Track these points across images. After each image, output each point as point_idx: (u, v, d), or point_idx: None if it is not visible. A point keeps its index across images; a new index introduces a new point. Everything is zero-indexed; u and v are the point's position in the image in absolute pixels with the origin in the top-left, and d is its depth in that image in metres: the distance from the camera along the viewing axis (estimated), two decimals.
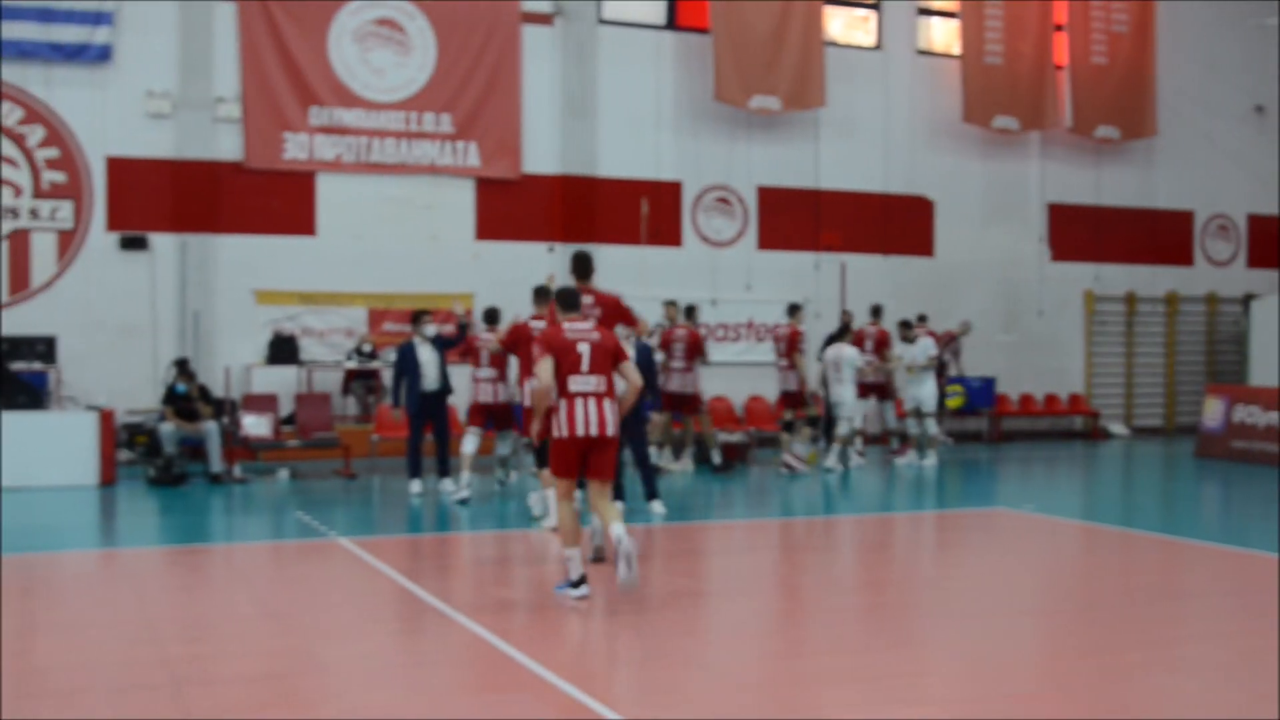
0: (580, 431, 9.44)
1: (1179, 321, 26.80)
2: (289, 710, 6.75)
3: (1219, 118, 26.70)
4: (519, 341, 12.79)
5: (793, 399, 18.68)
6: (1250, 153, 27.07)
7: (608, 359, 9.63)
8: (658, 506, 14.14)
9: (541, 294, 13.39)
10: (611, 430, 9.56)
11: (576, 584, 9.49)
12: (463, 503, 14.95)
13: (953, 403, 22.21)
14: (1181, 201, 26.73)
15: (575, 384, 9.49)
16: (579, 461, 9.57)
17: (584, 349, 9.55)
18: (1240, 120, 26.96)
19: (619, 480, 11.26)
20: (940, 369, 21.54)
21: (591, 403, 9.49)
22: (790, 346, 18.42)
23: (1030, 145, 25.28)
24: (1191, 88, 26.37)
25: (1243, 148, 26.96)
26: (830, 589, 10.64)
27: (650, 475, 14.31)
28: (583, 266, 11.05)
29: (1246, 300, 26.34)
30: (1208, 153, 26.62)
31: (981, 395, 23.08)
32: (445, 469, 16.29)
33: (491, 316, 15.99)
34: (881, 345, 19.98)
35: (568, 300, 9.86)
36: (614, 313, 11.30)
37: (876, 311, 20.36)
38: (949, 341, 22.30)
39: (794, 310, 18.93)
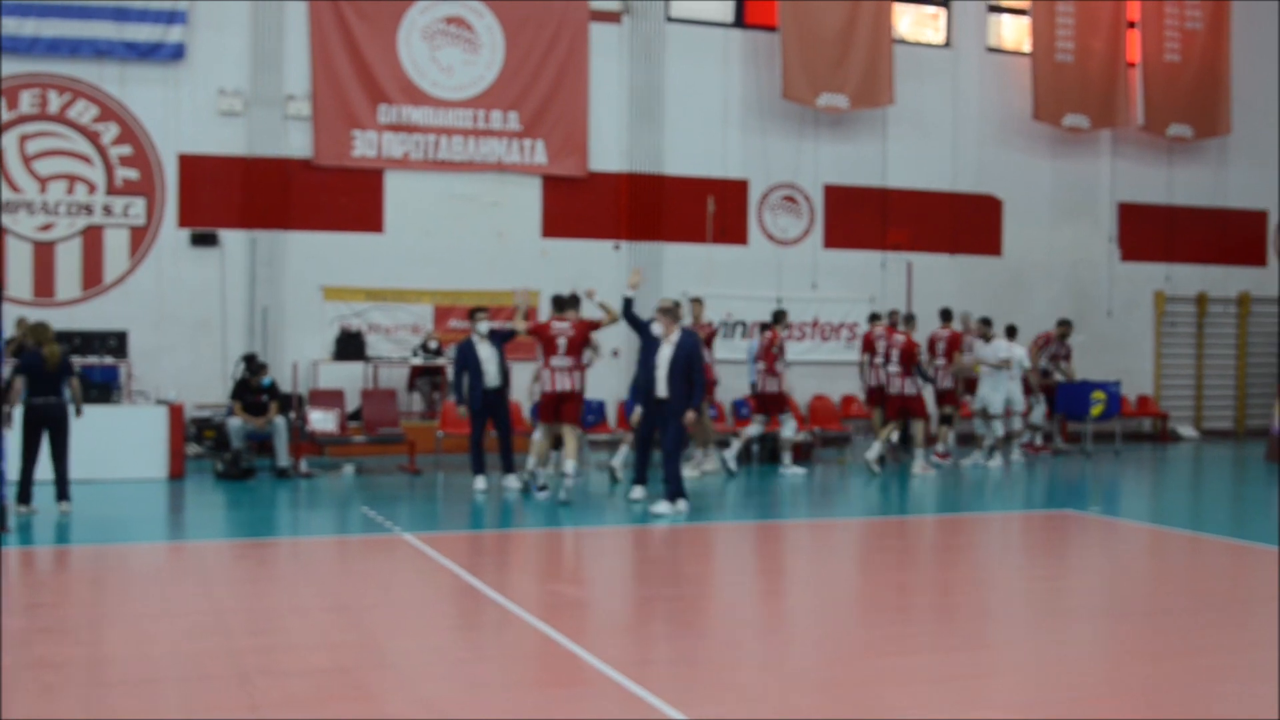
0: (556, 389, 14.99)
1: (1251, 323, 26.40)
2: (355, 703, 6.80)
3: None
4: (540, 335, 15.48)
5: (946, 397, 19.70)
6: None
7: (578, 344, 15.13)
8: (663, 507, 13.86)
9: (558, 302, 15.79)
10: (577, 388, 15.10)
11: (542, 488, 15.06)
12: (542, 491, 15.20)
13: (1095, 410, 21.48)
14: (1255, 201, 26.34)
15: (555, 361, 15.06)
16: (554, 410, 15.04)
17: (562, 342, 15.07)
18: None
19: (644, 463, 14.81)
20: (1044, 373, 21.67)
21: (562, 373, 15.02)
22: (913, 358, 18.35)
23: (1101, 143, 25.00)
24: (1266, 86, 25.97)
25: None
26: (898, 590, 10.58)
27: (671, 474, 14.07)
28: (568, 302, 15.53)
29: None
30: None
31: (1115, 401, 21.98)
32: (509, 465, 16.33)
33: (560, 304, 15.72)
34: (953, 348, 19.76)
35: (560, 304, 15.40)
36: (583, 327, 15.41)
37: (946, 315, 20.19)
38: (1045, 344, 22.00)
39: (909, 319, 19.19)
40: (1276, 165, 26.19)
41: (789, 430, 18.25)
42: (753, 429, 18.40)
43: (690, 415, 14.17)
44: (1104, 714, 6.82)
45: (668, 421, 14.15)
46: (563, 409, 15.06)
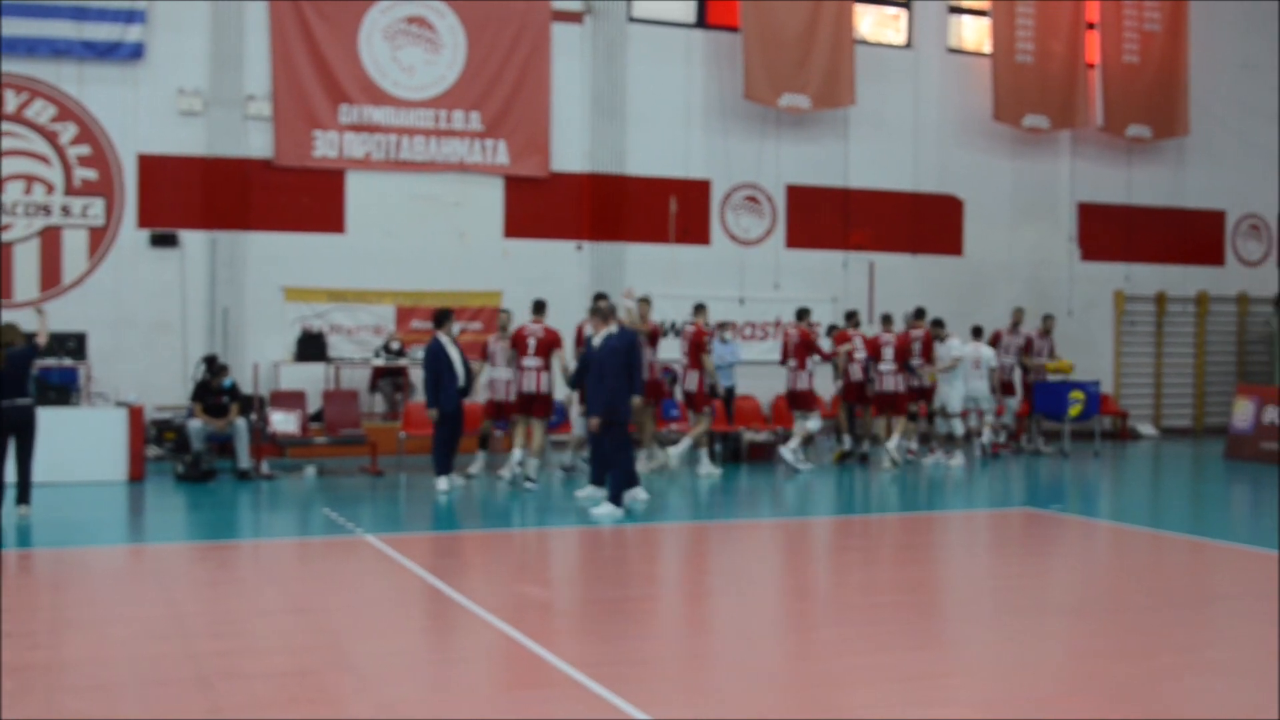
0: (526, 390, 16.30)
1: (1209, 322, 26.63)
2: (317, 706, 6.77)
3: (1251, 117, 26.51)
4: (515, 338, 16.66)
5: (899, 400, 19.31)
6: None
7: (547, 346, 16.36)
8: (604, 509, 13.75)
9: (539, 306, 17.00)
10: (545, 389, 16.33)
11: (529, 480, 15.99)
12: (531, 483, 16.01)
13: (1073, 410, 21.07)
14: (1213, 201, 26.55)
15: (525, 361, 16.35)
16: (527, 406, 16.33)
17: (532, 343, 16.37)
18: (1272, 119, 26.72)
19: (602, 468, 14.40)
20: (1023, 369, 21.75)
21: (531, 373, 16.31)
22: (905, 352, 19.07)
23: (1061, 144, 25.16)
24: (1224, 87, 26.20)
25: (1274, 147, 26.70)
26: (857, 589, 10.62)
27: (615, 478, 13.96)
28: (539, 307, 16.54)
29: (1278, 301, 26.17)
30: (1240, 152, 26.43)
31: (1095, 402, 21.51)
32: (450, 465, 16.20)
33: (536, 308, 16.98)
34: (926, 348, 19.76)
35: (536, 307, 16.42)
36: (551, 336, 16.57)
37: (920, 314, 20.14)
38: (1028, 347, 21.95)
39: (887, 319, 19.69)
40: (1234, 166, 26.43)
41: (807, 424, 18.52)
42: (812, 423, 18.78)
43: (636, 401, 14.45)
44: (1066, 712, 6.87)
45: (607, 425, 14.09)
46: (534, 406, 16.39)
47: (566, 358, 17.25)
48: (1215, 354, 26.69)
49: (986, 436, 20.29)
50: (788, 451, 18.39)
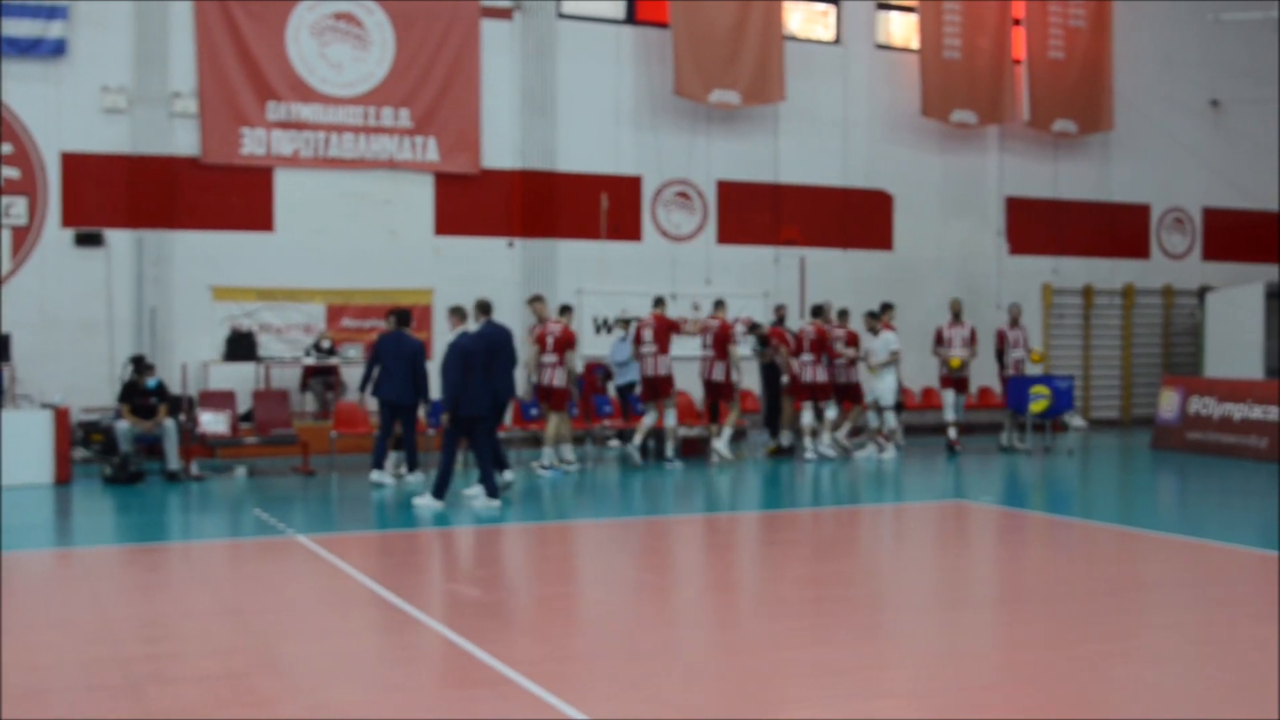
0: (545, 384, 17.38)
1: (1136, 314, 26.96)
2: (249, 709, 6.70)
3: (1175, 112, 26.88)
4: (538, 336, 17.67)
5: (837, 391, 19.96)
6: (1206, 147, 27.27)
7: (562, 344, 17.22)
8: (480, 501, 14.41)
9: (562, 309, 18.33)
10: (560, 383, 17.31)
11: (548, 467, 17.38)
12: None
13: (1036, 406, 20.39)
14: (1138, 195, 26.90)
15: (544, 358, 17.27)
16: (546, 398, 17.48)
17: (550, 340, 17.18)
18: (1196, 114, 27.16)
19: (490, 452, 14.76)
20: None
21: (548, 368, 17.32)
22: (824, 345, 19.66)
23: (988, 139, 25.38)
24: (1148, 82, 26.54)
25: (1198, 142, 27.16)
26: (793, 583, 10.64)
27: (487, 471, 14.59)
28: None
29: (1202, 293, 26.54)
30: (1164, 147, 26.80)
31: (1067, 398, 20.68)
32: (414, 463, 16.76)
33: (561, 310, 18.30)
34: (849, 345, 19.96)
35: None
36: (567, 335, 17.56)
37: (816, 311, 20.22)
38: (1000, 343, 21.44)
39: (844, 314, 20.32)
40: (1158, 160, 26.79)
41: (671, 420, 18.66)
42: (830, 411, 19.69)
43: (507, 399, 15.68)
44: (999, 701, 6.92)
45: (467, 420, 14.50)
46: (552, 397, 17.48)
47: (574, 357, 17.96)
48: (1141, 346, 27.04)
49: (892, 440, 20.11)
50: (723, 444, 18.79)
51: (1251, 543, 12.24)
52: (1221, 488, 17.17)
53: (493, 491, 14.38)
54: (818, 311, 20.11)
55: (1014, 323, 21.57)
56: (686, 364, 19.99)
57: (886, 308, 20.21)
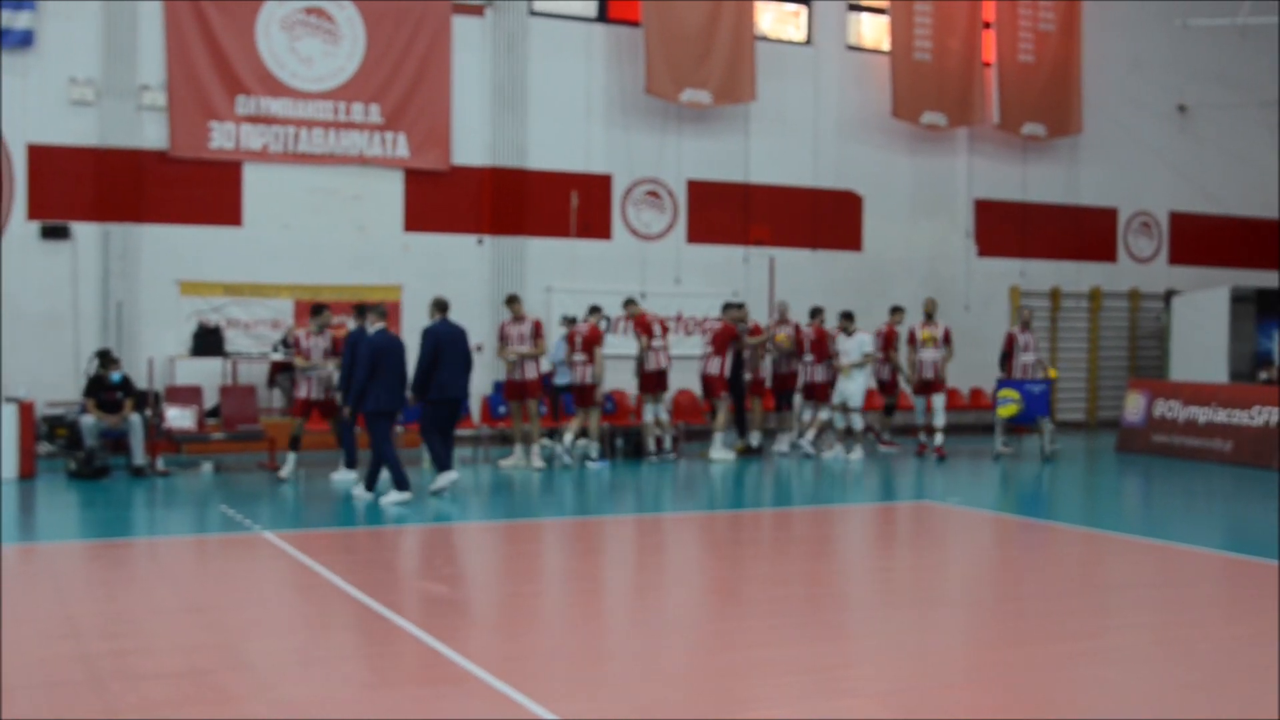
0: (576, 381, 18.41)
1: (1102, 317, 27.11)
2: (213, 706, 6.68)
3: (1143, 116, 27.05)
4: (570, 335, 18.64)
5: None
6: (1173, 151, 27.45)
7: (590, 342, 18.24)
8: (392, 496, 14.56)
9: (593, 309, 19.03)
10: (590, 380, 18.28)
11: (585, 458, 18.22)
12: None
13: (1005, 410, 19.78)
14: (1106, 198, 27.05)
15: (574, 356, 18.35)
16: (579, 396, 18.42)
17: (578, 340, 18.25)
18: (1163, 118, 27.33)
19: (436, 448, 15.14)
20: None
21: (579, 366, 18.32)
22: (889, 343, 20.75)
23: (958, 141, 25.47)
24: (1116, 86, 26.69)
25: (1166, 146, 27.34)
26: (761, 582, 10.66)
27: (394, 466, 14.69)
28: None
29: (1168, 296, 26.71)
30: (1131, 150, 26.97)
31: (1040, 403, 19.78)
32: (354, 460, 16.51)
33: (592, 310, 18.99)
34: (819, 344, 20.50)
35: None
36: (595, 333, 18.49)
37: (814, 313, 20.59)
38: (1009, 345, 21.02)
39: (817, 312, 20.83)
40: (1126, 164, 26.94)
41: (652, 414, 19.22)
42: (824, 412, 20.35)
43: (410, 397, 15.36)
44: (964, 699, 6.95)
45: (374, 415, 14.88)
46: (582, 394, 18.42)
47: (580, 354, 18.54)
48: (1108, 349, 27.19)
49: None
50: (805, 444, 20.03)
51: (1214, 545, 12.35)
52: (1186, 490, 17.29)
53: (371, 485, 14.78)
54: (815, 313, 20.68)
55: (1025, 326, 21.16)
56: (686, 364, 20.33)
57: (847, 317, 20.17)
